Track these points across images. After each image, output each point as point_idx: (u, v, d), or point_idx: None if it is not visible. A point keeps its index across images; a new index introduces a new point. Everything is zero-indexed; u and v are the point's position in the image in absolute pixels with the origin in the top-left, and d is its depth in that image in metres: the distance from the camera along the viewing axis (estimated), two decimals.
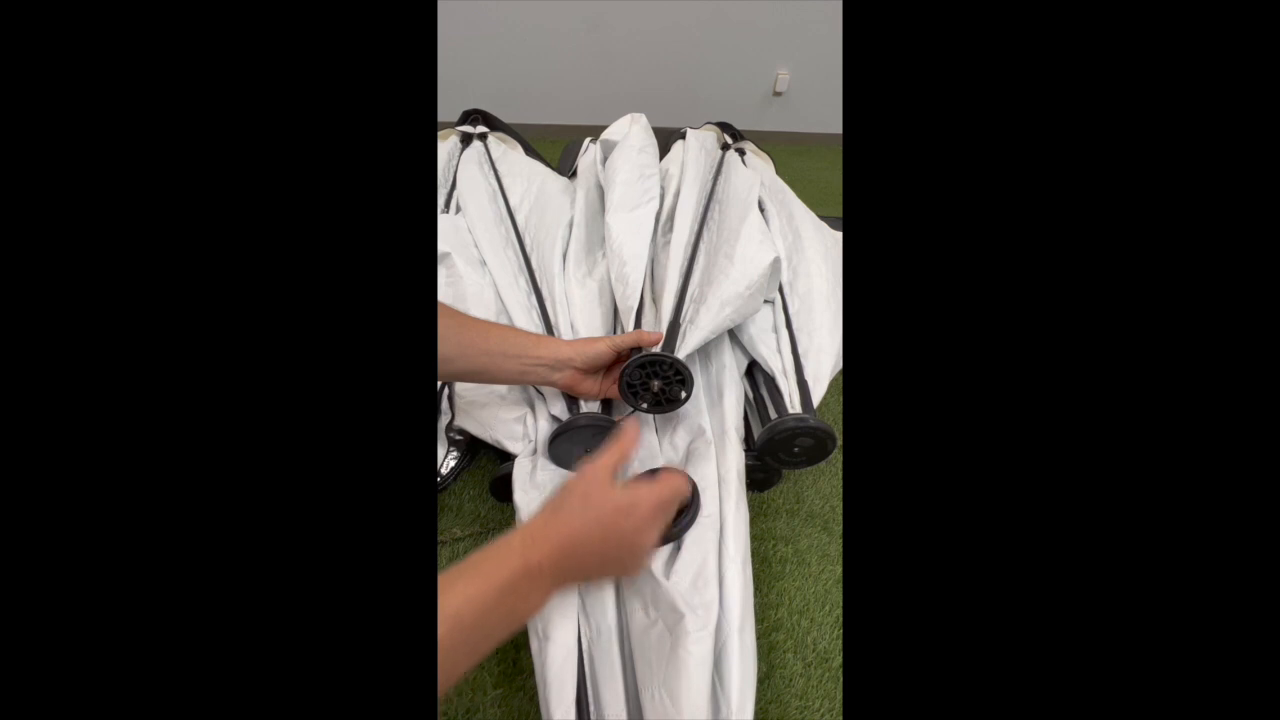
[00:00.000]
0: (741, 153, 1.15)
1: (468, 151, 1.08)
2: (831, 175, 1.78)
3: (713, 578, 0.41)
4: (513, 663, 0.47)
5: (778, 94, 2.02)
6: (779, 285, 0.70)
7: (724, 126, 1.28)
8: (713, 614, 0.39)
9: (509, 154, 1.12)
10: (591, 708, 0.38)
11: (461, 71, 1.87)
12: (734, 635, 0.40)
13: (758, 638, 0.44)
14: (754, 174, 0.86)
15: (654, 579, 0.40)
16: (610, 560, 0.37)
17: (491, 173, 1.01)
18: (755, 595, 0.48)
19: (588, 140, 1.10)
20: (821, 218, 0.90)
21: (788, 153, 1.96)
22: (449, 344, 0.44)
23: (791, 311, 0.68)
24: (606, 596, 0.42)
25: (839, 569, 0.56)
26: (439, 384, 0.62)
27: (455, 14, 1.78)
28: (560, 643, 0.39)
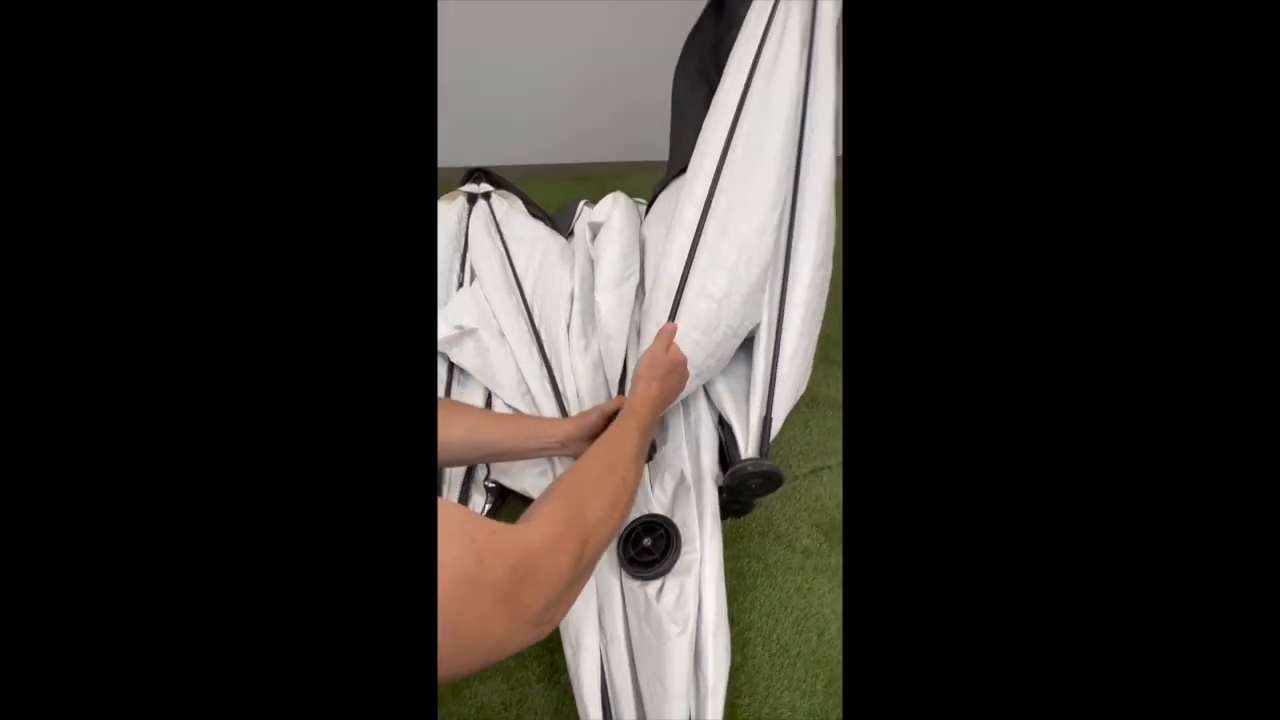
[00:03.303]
0: None
1: (475, 213, 1.20)
2: None
3: (690, 596, 0.57)
4: (550, 664, 0.62)
5: None
6: (767, 344, 0.74)
7: None
8: (690, 623, 0.54)
9: (512, 215, 1.22)
10: (610, 696, 0.54)
11: (455, 113, 1.98)
12: (709, 637, 0.55)
13: (733, 636, 0.59)
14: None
15: (647, 602, 0.55)
16: (672, 398, 0.64)
17: (498, 235, 1.14)
18: (732, 603, 0.63)
19: (582, 203, 1.24)
20: None
21: None
22: (493, 433, 0.60)
23: (783, 322, 0.73)
24: (616, 614, 0.57)
25: (799, 578, 0.71)
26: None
27: (448, 58, 1.87)
28: (588, 649, 0.55)
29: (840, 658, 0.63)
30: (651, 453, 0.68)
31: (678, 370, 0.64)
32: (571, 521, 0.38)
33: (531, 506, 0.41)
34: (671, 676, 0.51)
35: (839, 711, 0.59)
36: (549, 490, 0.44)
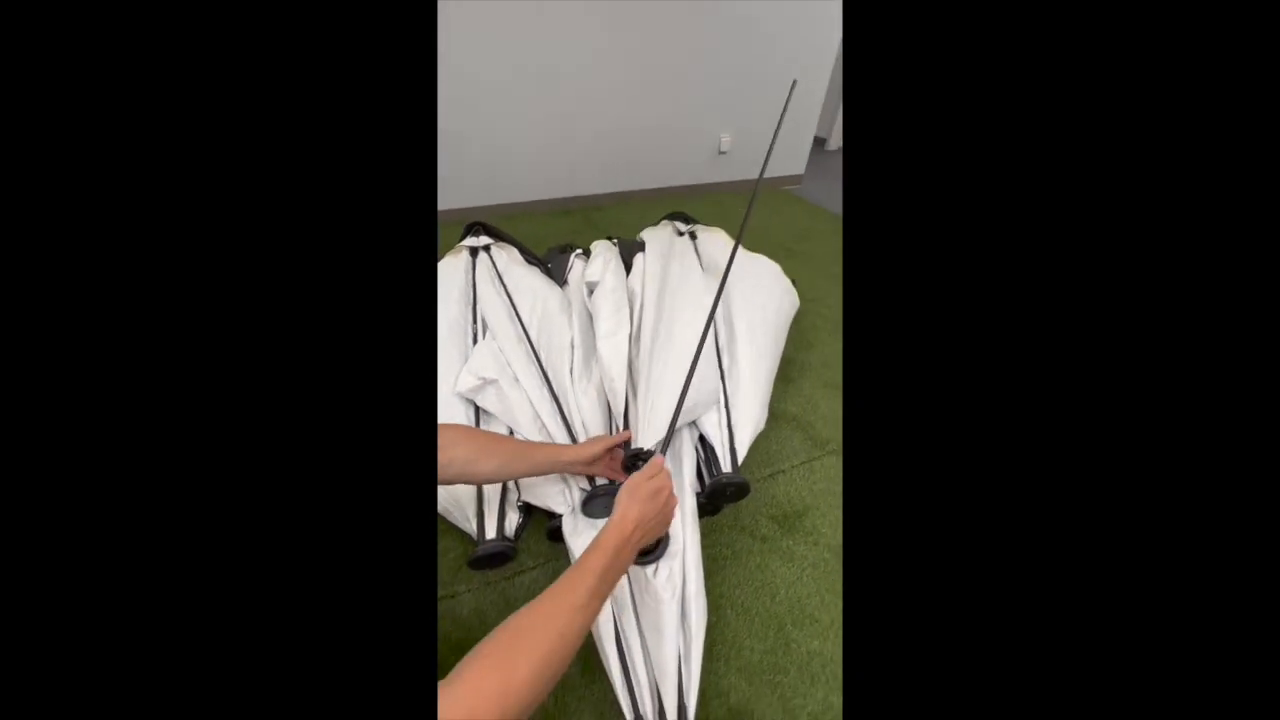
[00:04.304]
0: (694, 236, 1.49)
1: (479, 267, 1.37)
2: (768, 219, 2.18)
3: (677, 574, 0.80)
4: (583, 662, 0.84)
5: (722, 153, 2.41)
6: (720, 374, 1.07)
7: (678, 216, 1.62)
8: (678, 592, 0.78)
9: (511, 266, 1.39)
10: (623, 642, 0.76)
11: (452, 159, 2.16)
12: (692, 601, 0.79)
13: (709, 603, 0.82)
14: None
15: (646, 579, 0.78)
16: (654, 520, 0.66)
17: (502, 288, 1.33)
18: (707, 579, 0.86)
19: (574, 256, 1.46)
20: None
21: (730, 199, 2.37)
22: (520, 465, 0.82)
23: (729, 394, 1.05)
24: (624, 589, 0.80)
25: (757, 559, 0.95)
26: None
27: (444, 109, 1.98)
28: (605, 614, 0.77)
29: (785, 612, 0.87)
30: (654, 548, 0.81)
31: (659, 496, 0.67)
32: (493, 695, 0.42)
33: (469, 656, 0.44)
34: (665, 626, 0.74)
35: (784, 649, 0.83)
36: (487, 642, 0.46)
